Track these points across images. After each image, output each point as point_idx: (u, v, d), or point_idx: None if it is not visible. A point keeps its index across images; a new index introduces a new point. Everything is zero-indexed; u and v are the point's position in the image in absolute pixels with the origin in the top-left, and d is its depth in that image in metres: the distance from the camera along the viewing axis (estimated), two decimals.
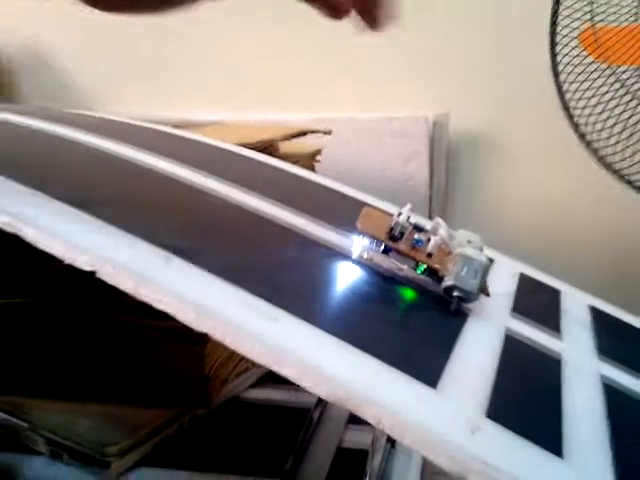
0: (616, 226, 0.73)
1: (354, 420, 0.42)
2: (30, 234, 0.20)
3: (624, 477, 0.18)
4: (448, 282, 0.25)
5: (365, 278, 0.26)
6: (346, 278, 0.25)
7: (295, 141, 0.67)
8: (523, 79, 0.72)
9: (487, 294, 0.27)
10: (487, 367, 0.22)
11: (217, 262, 0.22)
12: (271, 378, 0.43)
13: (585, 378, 0.25)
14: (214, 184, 0.30)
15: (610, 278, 0.73)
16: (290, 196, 0.33)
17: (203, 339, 0.37)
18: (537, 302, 0.33)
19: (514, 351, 0.25)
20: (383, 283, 0.26)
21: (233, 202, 0.29)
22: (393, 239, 0.27)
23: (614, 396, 0.24)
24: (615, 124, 0.51)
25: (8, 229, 0.20)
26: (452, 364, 0.21)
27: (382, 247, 0.27)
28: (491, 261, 0.37)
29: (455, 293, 0.25)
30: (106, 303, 0.38)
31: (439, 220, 0.30)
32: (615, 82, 0.49)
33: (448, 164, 0.77)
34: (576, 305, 0.35)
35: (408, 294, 0.26)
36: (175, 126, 0.52)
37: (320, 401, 0.43)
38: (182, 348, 0.38)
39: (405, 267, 0.27)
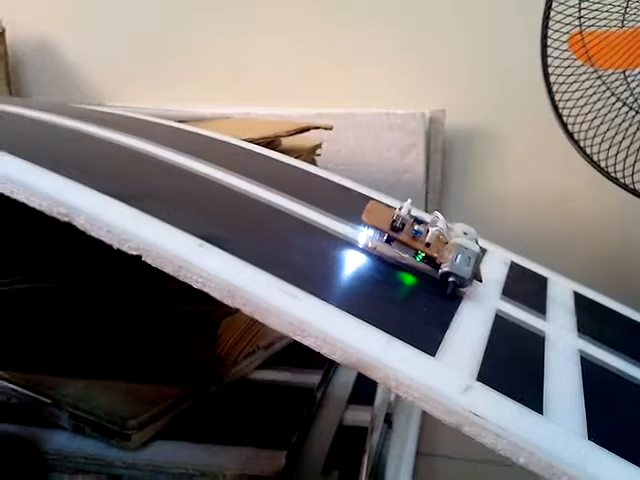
0: (609, 222, 0.76)
1: (354, 400, 0.46)
2: (81, 223, 0.23)
3: (593, 429, 0.22)
4: (444, 269, 0.28)
5: (370, 264, 0.29)
6: (354, 264, 0.28)
7: (297, 136, 0.69)
8: (519, 77, 0.75)
9: (480, 280, 0.30)
10: (479, 341, 0.25)
11: (242, 248, 0.25)
12: (276, 361, 0.46)
13: (565, 352, 0.28)
14: (234, 180, 0.33)
15: (602, 270, 0.76)
16: (300, 189, 0.36)
17: (216, 322, 0.41)
18: (525, 288, 0.37)
19: (503, 329, 0.28)
20: (386, 269, 0.29)
21: (252, 196, 0.32)
22: (395, 230, 0.30)
23: (589, 367, 0.27)
24: (601, 124, 0.54)
25: (64, 219, 0.23)
26: (448, 337, 0.25)
27: (385, 237, 0.30)
28: (484, 251, 0.41)
29: (450, 279, 0.28)
30: (127, 288, 0.40)
31: (438, 214, 0.33)
32: (601, 85, 0.52)
33: (444, 158, 0.80)
34: (561, 291, 0.38)
35: (409, 279, 0.29)
36: (181, 121, 0.55)
37: (322, 382, 0.46)
38: (198, 330, 0.41)
39: (406, 256, 0.30)
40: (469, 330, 0.26)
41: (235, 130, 0.58)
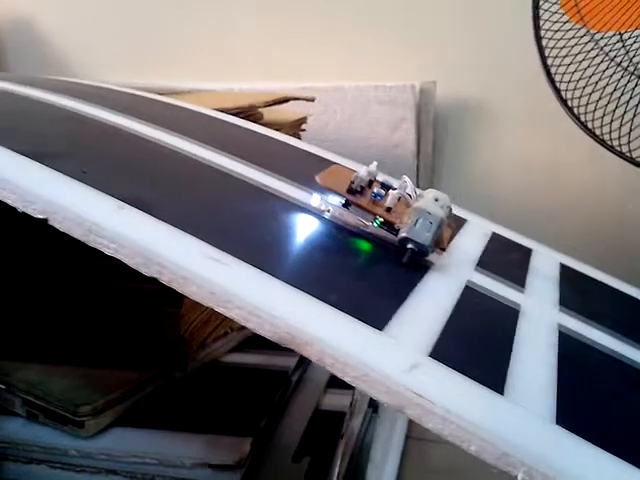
0: (606, 192, 0.73)
1: (333, 384, 0.43)
2: None
3: (564, 413, 0.19)
4: (402, 234, 0.25)
5: (323, 230, 0.26)
6: (303, 229, 0.25)
7: (279, 110, 0.66)
8: (511, 46, 0.71)
9: (443, 248, 0.27)
10: (440, 313, 0.23)
11: (171, 211, 0.22)
12: (251, 343, 0.44)
13: (541, 326, 0.25)
14: (177, 141, 0.30)
15: (598, 242, 0.73)
16: (255, 154, 0.33)
17: (178, 301, 0.38)
18: (505, 259, 0.34)
19: (471, 301, 0.25)
20: (341, 235, 0.26)
21: (195, 158, 0.29)
22: (352, 193, 0.27)
23: (568, 343, 0.25)
24: (594, 89, 0.51)
25: None
26: (403, 310, 0.22)
27: (342, 201, 0.27)
28: (463, 221, 0.38)
29: (409, 245, 0.25)
30: (82, 266, 0.38)
31: (406, 178, 0.30)
32: (593, 48, 0.49)
33: (435, 132, 0.77)
34: (546, 263, 0.35)
35: (365, 246, 0.26)
36: (159, 94, 0.52)
37: (299, 364, 0.43)
38: (158, 310, 0.38)
39: (365, 221, 0.27)
40: (430, 302, 0.23)
41: (210, 101, 0.55)
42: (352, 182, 0.27)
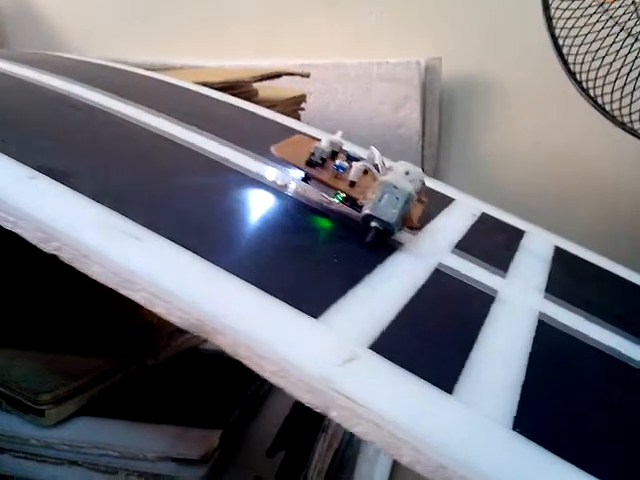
0: (623, 175, 0.69)
1: None
2: None
3: (526, 415, 0.16)
4: (364, 211, 0.23)
5: (278, 207, 0.24)
6: (251, 205, 0.23)
7: (277, 87, 0.63)
8: (520, 19, 0.67)
9: (411, 226, 0.24)
10: (395, 300, 0.20)
11: (92, 182, 0.20)
12: None
13: (518, 315, 0.22)
14: (128, 109, 0.28)
15: (614, 227, 0.69)
16: (217, 124, 0.30)
17: None
18: (490, 241, 0.31)
19: (438, 286, 0.22)
20: (300, 213, 0.24)
21: (142, 125, 0.27)
22: (312, 165, 0.24)
23: (547, 334, 0.22)
24: (603, 62, 0.47)
25: None
26: (351, 296, 0.19)
27: (301, 175, 0.25)
28: (450, 200, 0.35)
29: (373, 224, 0.23)
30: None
31: (373, 149, 0.28)
32: (603, 19, 0.46)
33: (441, 110, 0.74)
34: (539, 245, 0.32)
35: (325, 225, 0.24)
36: (153, 70, 0.49)
37: None
38: (122, 295, 0.36)
39: (326, 196, 0.25)
40: (387, 287, 0.21)
41: (197, 76, 0.52)
42: (312, 153, 0.25)
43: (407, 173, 0.27)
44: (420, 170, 0.29)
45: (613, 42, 0.48)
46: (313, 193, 0.26)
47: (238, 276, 0.17)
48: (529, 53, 0.67)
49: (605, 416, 0.18)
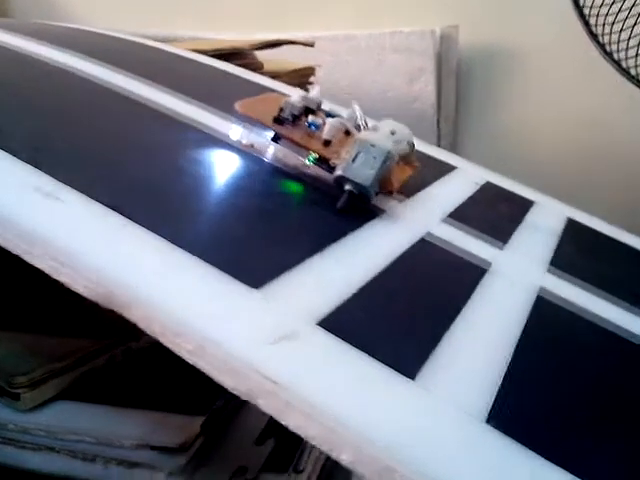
0: None
1: None
2: None
3: (503, 407, 0.13)
4: (336, 172, 0.20)
5: (235, 167, 0.21)
6: (202, 164, 0.20)
7: (283, 60, 0.61)
8: None
9: (391, 191, 0.21)
10: (363, 271, 0.17)
11: (11, 136, 0.17)
12: None
13: (513, 290, 0.19)
14: (73, 60, 0.25)
15: (635, 195, 0.65)
16: (186, 84, 0.28)
17: None
18: (492, 211, 0.28)
19: (421, 256, 0.20)
20: (261, 175, 0.21)
21: (95, 81, 0.24)
22: (280, 122, 0.22)
23: (545, 310, 0.19)
24: (626, 17, 0.43)
25: None
26: (308, 266, 0.16)
27: (269, 134, 0.22)
28: (452, 168, 0.32)
29: (347, 187, 0.20)
30: None
31: (356, 105, 0.25)
32: None
33: (458, 83, 0.70)
34: (548, 217, 0.29)
35: (292, 188, 0.21)
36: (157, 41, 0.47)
37: None
38: None
39: (296, 158, 0.22)
40: (355, 256, 0.18)
41: (193, 45, 0.50)
42: (281, 109, 0.22)
43: (393, 133, 0.25)
44: (409, 131, 0.26)
45: (635, 2, 0.44)
46: (282, 154, 0.23)
47: (170, 241, 0.15)
48: (550, 18, 0.63)
49: (598, 404, 0.15)
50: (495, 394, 0.14)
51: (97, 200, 0.15)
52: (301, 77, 0.61)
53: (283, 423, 0.12)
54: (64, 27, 0.39)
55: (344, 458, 0.11)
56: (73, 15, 0.82)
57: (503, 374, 0.15)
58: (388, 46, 0.68)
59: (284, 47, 0.59)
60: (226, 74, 0.34)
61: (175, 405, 0.30)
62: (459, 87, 0.70)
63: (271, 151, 0.22)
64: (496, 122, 0.70)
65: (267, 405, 0.12)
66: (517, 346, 0.16)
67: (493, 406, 0.13)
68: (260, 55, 0.56)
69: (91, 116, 0.21)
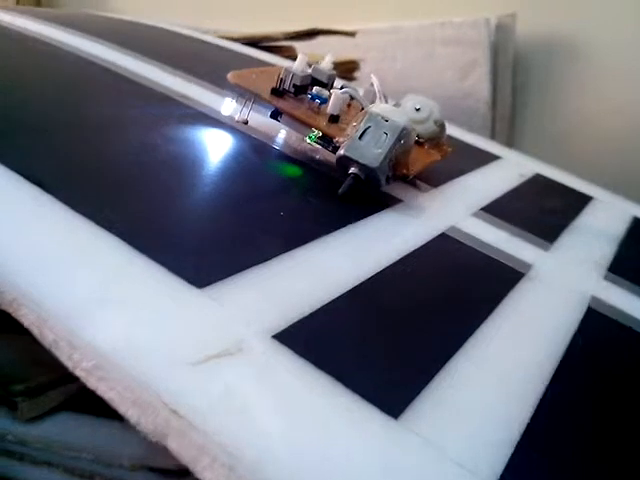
0: None
1: None
2: None
3: (530, 455, 0.09)
4: (339, 152, 0.16)
5: (220, 146, 0.18)
6: (182, 142, 0.17)
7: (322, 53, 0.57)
8: None
9: (406, 175, 0.18)
10: (359, 268, 0.14)
11: None
12: None
13: (556, 299, 0.15)
14: (63, 35, 0.22)
15: None
16: (189, 62, 0.25)
17: None
18: (536, 206, 0.23)
19: (438, 254, 0.16)
20: (250, 155, 0.18)
21: (73, 51, 0.21)
22: (279, 94, 0.18)
23: (595, 324, 0.15)
24: None
25: None
26: (287, 260, 0.13)
27: (269, 110, 0.19)
28: (495, 157, 0.28)
29: (352, 169, 0.16)
30: None
31: (373, 77, 0.21)
32: None
33: (515, 77, 0.65)
34: (608, 215, 0.25)
35: (288, 171, 0.18)
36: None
37: None
38: None
39: (298, 137, 0.19)
40: (350, 252, 0.14)
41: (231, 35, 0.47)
42: (281, 79, 0.18)
43: (417, 109, 0.21)
44: (439, 109, 0.22)
45: None
46: (282, 132, 0.20)
47: (93, 220, 0.12)
48: (618, 5, 0.57)
49: None
50: (519, 437, 0.10)
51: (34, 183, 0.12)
52: (345, 72, 0.57)
53: (191, 468, 0.08)
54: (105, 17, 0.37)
55: None
56: (118, 6, 0.81)
57: (526, 422, 0.11)
58: (438, 38, 0.64)
59: (327, 44, 0.56)
60: (240, 55, 0.31)
61: None
62: (516, 82, 0.65)
63: (264, 127, 0.19)
64: (557, 120, 0.65)
65: (179, 449, 0.08)
66: (553, 378, 0.12)
67: (516, 452, 0.09)
68: (299, 48, 0.53)
69: (64, 87, 0.18)
